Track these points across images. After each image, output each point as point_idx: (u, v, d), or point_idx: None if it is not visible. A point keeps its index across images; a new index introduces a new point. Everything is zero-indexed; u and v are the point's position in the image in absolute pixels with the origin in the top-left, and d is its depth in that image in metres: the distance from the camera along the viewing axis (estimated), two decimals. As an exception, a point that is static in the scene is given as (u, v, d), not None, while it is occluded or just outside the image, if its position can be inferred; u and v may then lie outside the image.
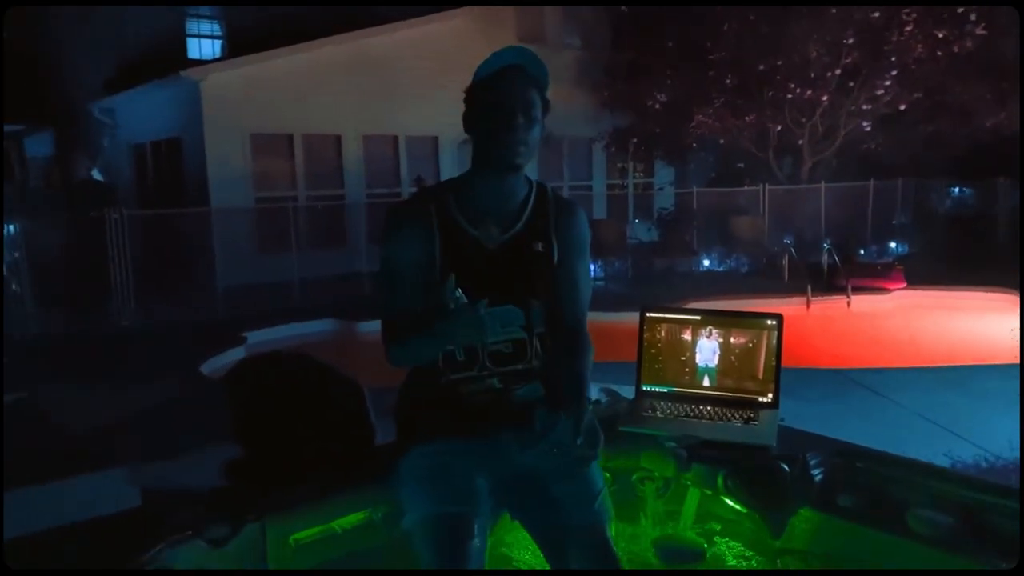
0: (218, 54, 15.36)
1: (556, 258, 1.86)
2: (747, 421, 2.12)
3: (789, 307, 8.94)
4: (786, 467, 1.90)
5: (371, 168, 13.75)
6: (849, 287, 10.58)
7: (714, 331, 2.27)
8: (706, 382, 2.26)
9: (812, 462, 1.93)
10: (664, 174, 17.18)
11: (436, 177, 14.38)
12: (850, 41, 12.02)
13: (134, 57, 13.81)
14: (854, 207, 13.92)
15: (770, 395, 2.21)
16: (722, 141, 14.17)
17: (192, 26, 15.75)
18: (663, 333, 2.30)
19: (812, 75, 12.42)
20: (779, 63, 12.34)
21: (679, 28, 13.14)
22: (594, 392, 2.39)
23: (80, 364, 7.22)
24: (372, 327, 9.26)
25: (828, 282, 11.02)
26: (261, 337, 8.73)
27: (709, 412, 2.18)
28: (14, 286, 10.17)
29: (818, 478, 1.89)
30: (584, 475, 1.78)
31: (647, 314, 2.31)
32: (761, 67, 12.42)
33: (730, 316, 2.29)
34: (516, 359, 1.84)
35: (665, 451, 2.03)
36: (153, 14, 14.10)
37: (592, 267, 3.24)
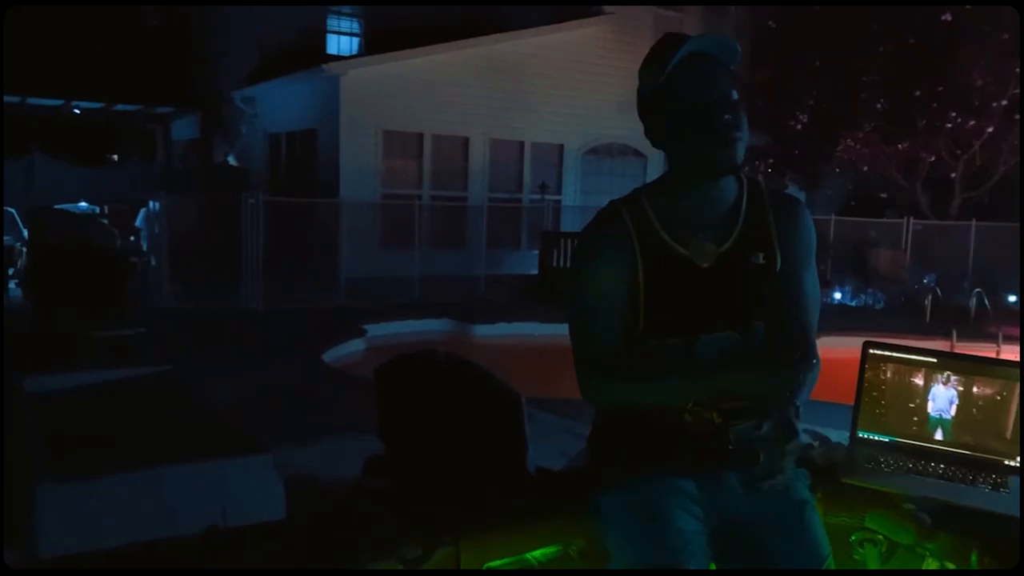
0: (355, 51, 15.75)
1: (779, 267, 1.60)
2: (996, 487, 1.81)
3: (932, 351, 8.30)
4: (1059, 551, 1.58)
5: (495, 172, 13.77)
6: (1000, 336, 9.75)
7: (953, 377, 1.97)
8: (939, 435, 1.96)
9: (1094, 550, 1.60)
10: (795, 199, 16.45)
11: (558, 186, 14.26)
12: (1022, 69, 11.15)
13: (276, 49, 14.32)
14: (1007, 249, 12.86)
15: (1019, 459, 1.88)
16: (865, 168, 13.40)
17: (332, 22, 16.23)
18: (889, 374, 2.01)
19: (976, 104, 11.56)
20: (939, 89, 11.55)
21: (829, 46, 12.50)
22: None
23: (211, 342, 7.40)
24: (487, 331, 9.33)
25: (975, 328, 10.22)
26: (380, 331, 8.81)
27: (943, 471, 1.87)
28: (152, 260, 10.64)
29: (1102, 570, 1.57)
30: (810, 534, 1.55)
31: (871, 351, 2.02)
32: (917, 92, 11.66)
33: (974, 362, 1.98)
34: (735, 395, 1.59)
35: (898, 512, 1.74)
36: (295, 9, 14.58)
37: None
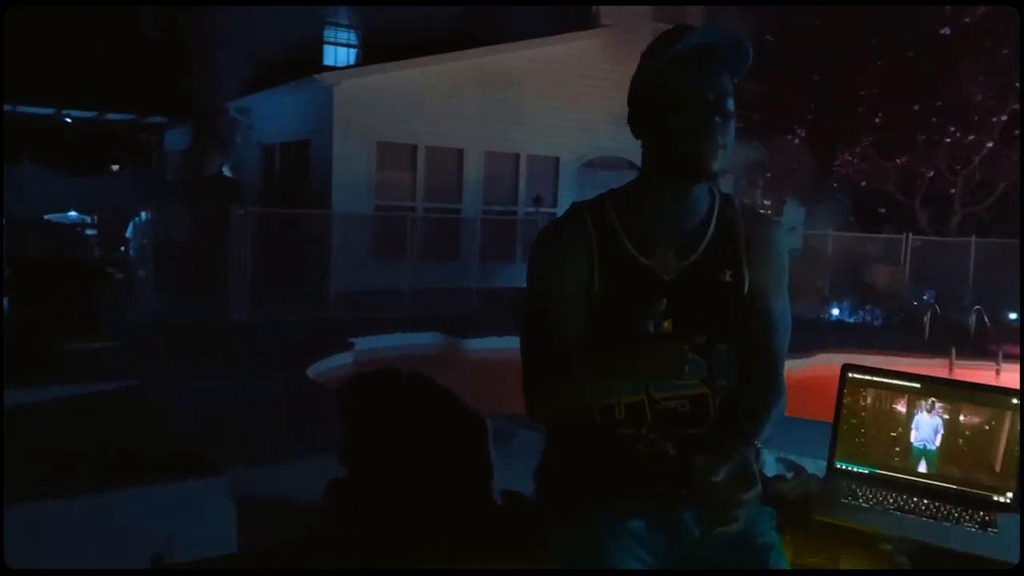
0: (352, 63, 15.68)
1: (747, 289, 1.48)
2: (983, 526, 1.66)
3: (930, 370, 8.10)
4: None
5: (490, 184, 13.64)
6: (1000, 354, 9.58)
7: (938, 404, 1.83)
8: (922, 467, 1.82)
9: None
10: (793, 213, 16.32)
11: (554, 198, 14.13)
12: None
13: (272, 60, 14.23)
14: (1007, 266, 12.71)
15: (1010, 494, 1.74)
16: (864, 183, 13.27)
17: (330, 34, 16.16)
18: (869, 400, 1.88)
19: (975, 119, 11.44)
20: (938, 104, 11.43)
21: (827, 60, 12.41)
22: (771, 465, 1.97)
23: (191, 356, 7.23)
24: (477, 345, 9.17)
25: (975, 346, 10.06)
26: (368, 345, 8.65)
27: (927, 507, 1.73)
28: (141, 272, 10.51)
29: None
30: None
31: (850, 374, 1.88)
32: (916, 107, 11.54)
33: (961, 388, 1.84)
34: (694, 421, 1.45)
35: (875, 553, 1.60)
36: (292, 20, 14.51)
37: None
